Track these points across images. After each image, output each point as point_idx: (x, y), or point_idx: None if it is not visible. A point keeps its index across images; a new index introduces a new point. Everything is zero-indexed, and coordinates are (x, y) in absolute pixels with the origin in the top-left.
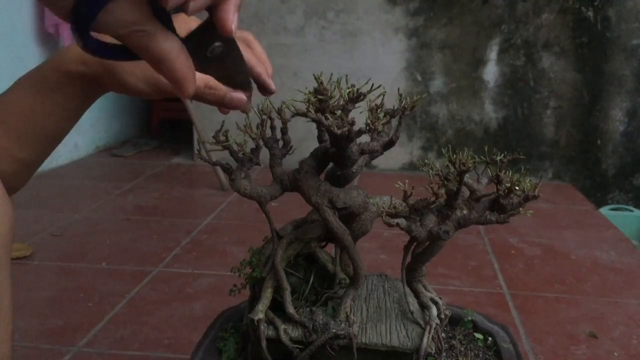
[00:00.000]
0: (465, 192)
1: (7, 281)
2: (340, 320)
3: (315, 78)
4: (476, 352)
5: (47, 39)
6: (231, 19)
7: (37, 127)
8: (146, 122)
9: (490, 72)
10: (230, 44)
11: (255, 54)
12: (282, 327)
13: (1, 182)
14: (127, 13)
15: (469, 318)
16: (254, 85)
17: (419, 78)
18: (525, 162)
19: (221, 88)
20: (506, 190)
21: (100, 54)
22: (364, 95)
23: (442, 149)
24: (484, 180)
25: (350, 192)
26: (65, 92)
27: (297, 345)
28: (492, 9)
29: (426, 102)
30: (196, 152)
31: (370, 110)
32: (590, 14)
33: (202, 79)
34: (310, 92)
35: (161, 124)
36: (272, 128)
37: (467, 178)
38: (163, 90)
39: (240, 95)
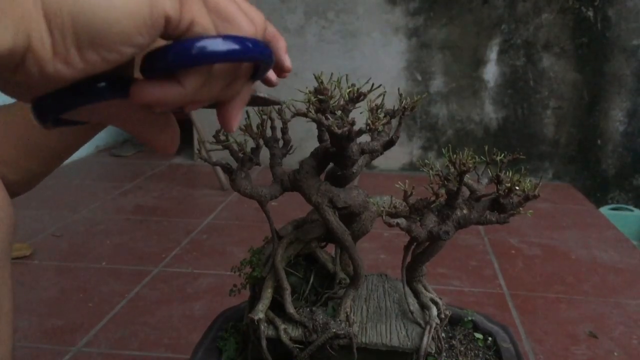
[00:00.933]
0: (466, 192)
1: (8, 282)
2: (340, 320)
3: (315, 78)
4: (476, 352)
5: None
6: (233, 119)
7: (46, 140)
8: None
9: (490, 72)
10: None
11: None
12: (282, 326)
13: (3, 185)
14: (102, 112)
15: (469, 318)
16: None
17: (419, 78)
18: (525, 162)
19: None
20: (506, 190)
21: (63, 126)
22: (364, 95)
23: (442, 149)
24: (484, 180)
25: (350, 192)
26: None
27: (297, 345)
28: (492, 9)
29: (426, 102)
30: (196, 152)
31: (371, 110)
32: (590, 14)
33: None
34: (310, 92)
35: None
36: (273, 128)
37: (467, 178)
38: None
39: None
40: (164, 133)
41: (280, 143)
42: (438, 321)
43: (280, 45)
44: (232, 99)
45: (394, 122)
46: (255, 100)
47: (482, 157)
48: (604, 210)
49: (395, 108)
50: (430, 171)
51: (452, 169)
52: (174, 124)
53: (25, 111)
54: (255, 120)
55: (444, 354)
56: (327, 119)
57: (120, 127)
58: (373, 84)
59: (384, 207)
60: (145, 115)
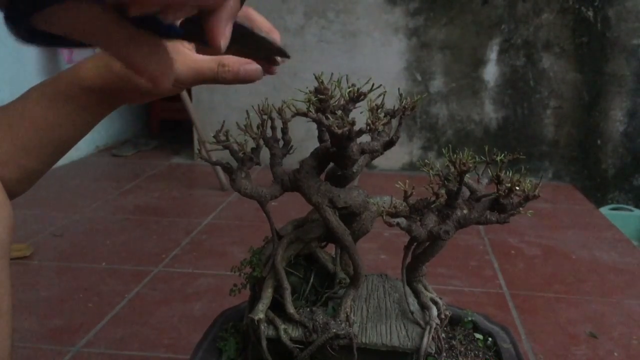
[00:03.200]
0: (466, 192)
1: (6, 281)
2: (340, 320)
3: (315, 78)
4: (476, 352)
5: None
6: (221, 32)
7: (47, 137)
8: (146, 122)
9: (490, 72)
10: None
11: (260, 28)
12: (282, 327)
13: (2, 186)
14: (76, 18)
15: (469, 318)
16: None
17: (419, 78)
18: (525, 162)
19: (234, 63)
20: (506, 190)
21: (40, 43)
22: (365, 95)
23: (442, 149)
24: (484, 180)
25: (350, 192)
26: (80, 105)
27: (298, 345)
28: (492, 9)
29: (426, 102)
30: (196, 151)
31: (371, 110)
32: (590, 14)
33: (215, 60)
34: (310, 92)
35: (161, 124)
36: (273, 128)
37: (467, 178)
38: (182, 83)
39: (254, 66)
40: (154, 56)
41: (281, 143)
42: (438, 321)
43: (276, 37)
44: (219, 8)
45: (394, 122)
46: (256, 42)
47: (482, 157)
48: (604, 210)
49: (396, 108)
50: (431, 171)
51: (452, 169)
52: (165, 49)
53: (22, 109)
54: (255, 120)
55: (444, 354)
56: (327, 118)
57: (105, 47)
58: (373, 84)
59: (384, 207)
60: (129, 32)
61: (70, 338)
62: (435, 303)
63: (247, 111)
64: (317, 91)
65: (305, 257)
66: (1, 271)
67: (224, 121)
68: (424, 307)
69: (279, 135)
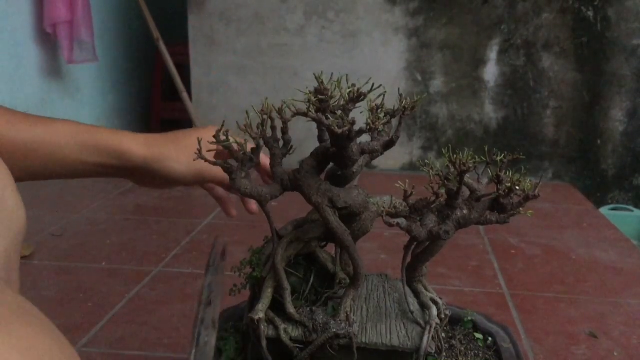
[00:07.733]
0: (466, 192)
1: (17, 281)
2: (340, 320)
3: (315, 78)
4: (476, 352)
5: (45, 38)
6: None
7: (55, 170)
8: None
9: (490, 72)
10: None
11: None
12: (282, 326)
13: (16, 187)
14: None
15: (469, 318)
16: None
17: (419, 78)
18: (525, 162)
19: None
20: (506, 190)
21: None
22: (365, 95)
23: (442, 149)
24: (484, 180)
25: (350, 192)
26: (106, 163)
27: (297, 345)
28: (492, 9)
29: (426, 102)
30: (196, 151)
31: (371, 110)
32: (590, 14)
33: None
34: (310, 92)
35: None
36: (273, 128)
37: (467, 178)
38: (204, 178)
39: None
40: None
41: (281, 143)
42: (438, 321)
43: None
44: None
45: (394, 122)
46: None
47: (482, 157)
48: (604, 210)
49: (396, 108)
50: (430, 171)
51: (452, 169)
52: None
53: (45, 137)
54: (255, 120)
55: (444, 354)
56: (327, 118)
57: None
58: (373, 84)
59: (384, 207)
60: None
61: (71, 338)
62: (435, 303)
63: (247, 111)
64: (317, 91)
65: (305, 257)
66: (11, 272)
67: (223, 121)
68: (424, 307)
69: (279, 135)
